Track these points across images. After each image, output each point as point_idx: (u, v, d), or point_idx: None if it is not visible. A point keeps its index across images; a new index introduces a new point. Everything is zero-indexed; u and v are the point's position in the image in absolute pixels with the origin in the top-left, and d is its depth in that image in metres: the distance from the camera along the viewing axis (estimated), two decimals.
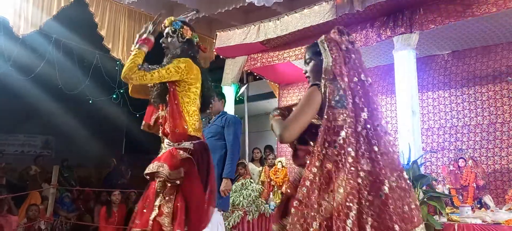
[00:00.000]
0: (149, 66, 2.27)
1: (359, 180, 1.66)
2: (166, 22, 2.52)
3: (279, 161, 5.49)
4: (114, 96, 7.72)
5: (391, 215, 1.62)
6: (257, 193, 4.73)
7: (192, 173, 2.27)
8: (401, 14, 4.12)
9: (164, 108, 2.40)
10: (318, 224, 1.61)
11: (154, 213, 2.18)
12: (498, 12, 3.69)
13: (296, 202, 1.68)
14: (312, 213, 1.63)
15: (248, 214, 4.55)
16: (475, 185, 4.07)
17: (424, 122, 4.91)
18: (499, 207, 3.83)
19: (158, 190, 2.24)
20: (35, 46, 6.47)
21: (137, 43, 2.34)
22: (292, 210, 1.68)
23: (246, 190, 4.73)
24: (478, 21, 4.13)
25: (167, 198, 2.21)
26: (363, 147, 1.71)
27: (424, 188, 3.49)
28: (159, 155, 2.38)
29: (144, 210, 2.23)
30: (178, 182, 2.22)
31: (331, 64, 1.83)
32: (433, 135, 4.88)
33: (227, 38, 5.46)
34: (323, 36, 1.94)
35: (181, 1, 6.48)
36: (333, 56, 1.84)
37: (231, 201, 4.59)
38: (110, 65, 7.18)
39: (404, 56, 4.14)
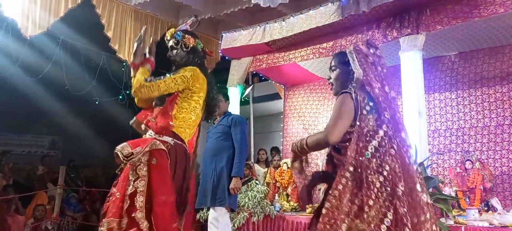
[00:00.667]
0: (156, 77, 2.31)
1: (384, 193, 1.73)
2: (168, 35, 2.55)
3: (285, 162, 5.48)
4: (121, 97, 7.76)
5: (404, 214, 1.70)
6: (263, 195, 4.73)
7: (163, 165, 2.21)
8: (408, 15, 4.09)
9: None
10: (346, 227, 1.67)
11: (126, 205, 2.11)
12: (506, 13, 3.66)
13: (328, 204, 1.74)
14: (342, 216, 1.69)
15: (253, 215, 4.55)
16: (482, 188, 4.04)
17: (431, 123, 4.88)
18: (507, 210, 3.79)
19: (130, 178, 2.18)
20: (42, 48, 6.54)
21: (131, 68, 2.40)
22: (323, 210, 1.75)
23: (252, 191, 4.73)
24: (485, 22, 4.10)
25: (140, 189, 2.14)
26: (386, 157, 1.78)
27: (430, 190, 3.46)
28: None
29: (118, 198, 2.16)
30: (138, 164, 2.15)
31: (362, 75, 1.91)
32: (439, 137, 4.84)
33: (232, 39, 5.47)
34: (352, 46, 2.02)
35: (186, 2, 6.51)
36: (363, 67, 1.93)
37: None
38: (117, 66, 7.23)
39: (410, 57, 4.11)
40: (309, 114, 6.09)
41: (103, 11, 6.16)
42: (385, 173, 1.74)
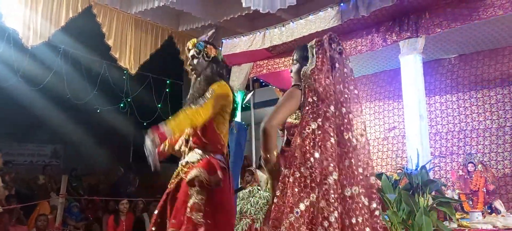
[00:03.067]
0: (197, 102, 2.38)
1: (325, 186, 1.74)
2: (189, 44, 2.63)
3: None
4: (122, 105, 7.78)
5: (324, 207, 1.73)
6: (265, 201, 4.71)
7: (225, 182, 2.42)
8: (407, 19, 4.10)
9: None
10: (288, 223, 1.68)
11: (187, 212, 2.31)
12: (505, 15, 3.66)
13: (276, 199, 1.78)
14: (287, 210, 1.71)
15: (256, 221, 4.53)
16: (485, 190, 4.02)
17: (432, 126, 4.87)
18: (510, 212, 3.77)
19: (191, 193, 2.35)
20: (43, 57, 6.57)
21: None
22: (273, 206, 1.78)
23: (254, 197, 4.71)
24: (485, 24, 4.10)
25: (199, 197, 2.33)
26: (313, 149, 1.77)
27: (433, 193, 3.45)
28: (194, 163, 2.47)
29: (179, 210, 2.36)
30: (216, 186, 2.34)
31: (309, 71, 1.92)
32: (441, 140, 4.83)
33: (232, 45, 5.49)
34: (314, 41, 2.01)
35: (187, 9, 6.55)
36: (317, 63, 1.92)
37: (238, 208, 4.58)
38: (118, 75, 7.26)
39: (410, 60, 4.11)
40: None
41: (103, 20, 6.20)
42: (308, 164, 1.74)
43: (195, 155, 2.49)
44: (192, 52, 2.60)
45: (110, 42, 6.30)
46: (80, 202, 7.56)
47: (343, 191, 1.77)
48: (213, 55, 2.59)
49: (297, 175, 1.73)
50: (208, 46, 2.59)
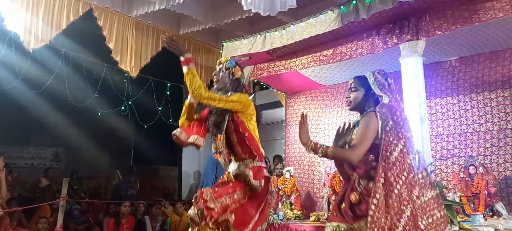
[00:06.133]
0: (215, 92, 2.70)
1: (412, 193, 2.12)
2: (223, 59, 2.97)
3: (287, 171, 5.47)
4: (122, 108, 7.77)
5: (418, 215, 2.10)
6: None
7: (264, 191, 2.73)
8: (407, 21, 4.10)
9: (221, 138, 2.78)
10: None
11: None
12: (505, 17, 3.66)
13: (371, 211, 2.07)
14: (383, 219, 2.06)
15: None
16: (486, 193, 4.01)
17: (433, 128, 4.87)
18: None
19: (237, 192, 2.67)
20: (44, 61, 6.57)
21: (184, 65, 2.62)
22: (370, 212, 2.07)
23: None
24: (485, 27, 4.11)
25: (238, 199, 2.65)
26: (404, 165, 2.14)
27: None
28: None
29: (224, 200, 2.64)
30: (256, 190, 2.65)
31: (388, 99, 2.25)
32: (442, 142, 4.83)
33: (233, 48, 5.49)
34: (371, 73, 2.34)
35: (187, 13, 6.57)
36: (385, 92, 2.26)
37: None
38: (118, 78, 7.26)
39: (411, 63, 4.11)
40: (310, 122, 6.10)
41: (104, 23, 6.22)
42: (403, 179, 2.09)
43: (240, 167, 2.77)
44: (222, 66, 2.91)
45: (111, 45, 6.31)
46: (81, 205, 7.54)
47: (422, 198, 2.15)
48: (237, 76, 2.89)
49: (393, 195, 2.05)
50: (236, 67, 2.90)
